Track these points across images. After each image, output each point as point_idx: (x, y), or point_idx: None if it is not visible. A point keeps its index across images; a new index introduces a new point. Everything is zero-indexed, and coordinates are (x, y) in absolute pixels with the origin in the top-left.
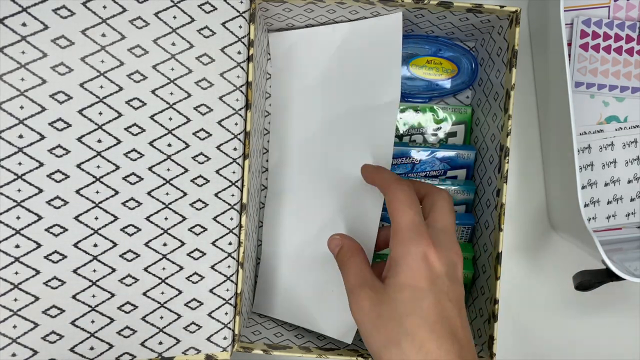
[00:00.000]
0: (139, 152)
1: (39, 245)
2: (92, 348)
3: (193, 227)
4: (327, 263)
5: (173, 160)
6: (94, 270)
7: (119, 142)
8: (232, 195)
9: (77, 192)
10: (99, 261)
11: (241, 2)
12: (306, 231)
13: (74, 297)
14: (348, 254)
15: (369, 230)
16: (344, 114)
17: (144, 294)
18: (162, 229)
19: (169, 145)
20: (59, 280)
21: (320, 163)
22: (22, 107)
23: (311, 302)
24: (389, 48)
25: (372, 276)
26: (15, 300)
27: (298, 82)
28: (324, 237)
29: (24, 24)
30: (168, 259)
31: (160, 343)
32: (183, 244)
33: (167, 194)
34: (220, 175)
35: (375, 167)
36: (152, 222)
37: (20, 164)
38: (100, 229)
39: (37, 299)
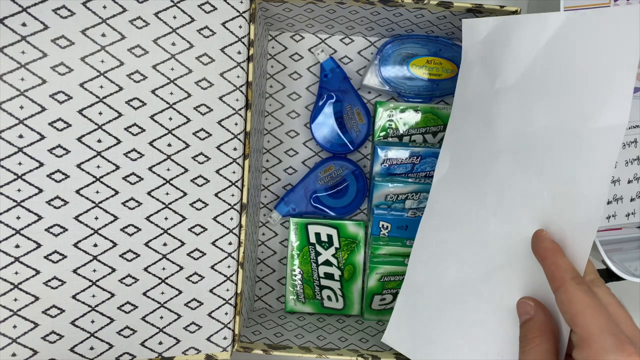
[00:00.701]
0: (139, 152)
1: (39, 245)
2: (92, 348)
3: (193, 227)
4: (495, 318)
5: (173, 160)
6: (94, 270)
7: (119, 142)
8: (232, 195)
9: (77, 192)
10: (99, 261)
11: (241, 2)
12: (470, 269)
13: (74, 297)
14: (536, 332)
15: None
16: (542, 132)
17: (144, 294)
18: (162, 229)
19: (169, 145)
20: (59, 280)
21: (502, 190)
22: (22, 107)
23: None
24: (619, 53)
25: None
26: (15, 300)
27: (489, 83)
28: (492, 284)
29: (24, 24)
30: (168, 259)
31: (160, 343)
32: (183, 244)
33: (167, 194)
34: (220, 175)
35: (552, 246)
36: (152, 222)
37: (20, 164)
38: (100, 229)
39: (37, 299)
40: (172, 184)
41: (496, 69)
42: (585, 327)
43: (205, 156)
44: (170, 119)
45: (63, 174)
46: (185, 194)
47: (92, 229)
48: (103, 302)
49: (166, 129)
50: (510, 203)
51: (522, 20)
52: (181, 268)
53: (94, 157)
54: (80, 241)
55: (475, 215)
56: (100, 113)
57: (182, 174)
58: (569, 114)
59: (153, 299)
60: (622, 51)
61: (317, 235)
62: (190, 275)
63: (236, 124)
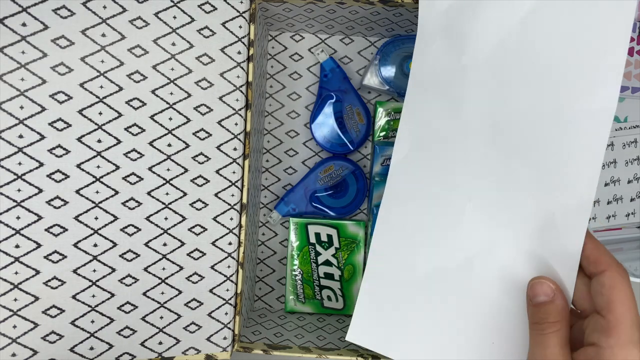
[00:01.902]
0: (139, 152)
1: (39, 245)
2: (92, 348)
3: (193, 227)
4: (480, 305)
5: (173, 160)
6: (94, 270)
7: (119, 142)
8: (232, 195)
9: (77, 192)
10: (99, 261)
11: (241, 2)
12: (446, 257)
13: (74, 297)
14: (558, 317)
15: (561, 281)
16: (520, 112)
17: (144, 294)
18: (162, 229)
19: (169, 145)
20: (59, 280)
21: (476, 172)
22: (22, 107)
23: (450, 352)
24: (609, 32)
25: None
26: (15, 300)
27: (454, 58)
28: (474, 271)
29: (24, 24)
30: (168, 259)
31: (160, 343)
32: (183, 244)
33: (167, 194)
34: (220, 175)
35: (597, 243)
36: (152, 222)
37: (20, 164)
38: (100, 229)
39: (37, 299)
40: (172, 184)
41: (462, 43)
42: (620, 317)
43: (205, 156)
44: (170, 119)
45: (63, 174)
46: (185, 194)
47: (92, 229)
48: (103, 302)
49: (166, 129)
50: (486, 186)
51: None
52: (181, 268)
53: (94, 157)
54: (80, 241)
55: (446, 199)
56: (100, 113)
57: (182, 174)
58: (554, 95)
59: (153, 299)
60: (613, 31)
61: (317, 235)
62: (190, 275)
63: (236, 124)
